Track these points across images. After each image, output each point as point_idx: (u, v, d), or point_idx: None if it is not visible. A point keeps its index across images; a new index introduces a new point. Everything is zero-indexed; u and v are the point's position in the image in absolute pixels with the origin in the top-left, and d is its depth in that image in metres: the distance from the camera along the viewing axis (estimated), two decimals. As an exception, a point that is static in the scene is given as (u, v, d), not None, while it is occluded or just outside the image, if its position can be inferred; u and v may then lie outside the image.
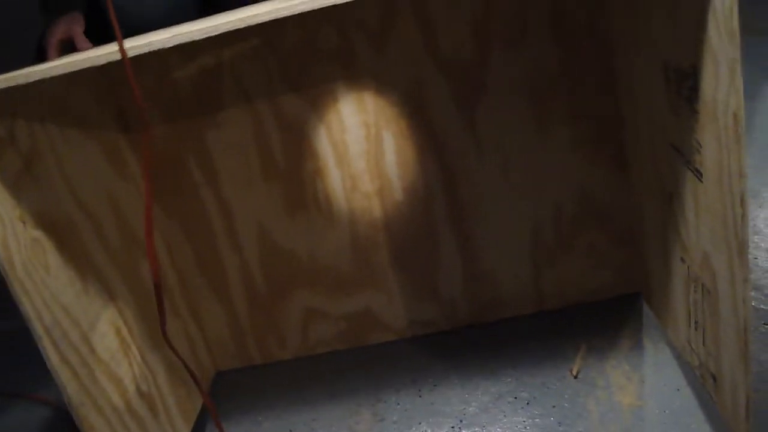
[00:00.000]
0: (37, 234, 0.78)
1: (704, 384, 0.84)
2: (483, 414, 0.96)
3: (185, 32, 0.64)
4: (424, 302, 1.13)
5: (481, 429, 0.93)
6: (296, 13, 0.63)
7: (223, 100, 1.01)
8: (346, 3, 0.63)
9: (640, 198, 0.97)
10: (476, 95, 0.99)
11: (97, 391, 0.83)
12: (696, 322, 0.82)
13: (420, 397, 1.02)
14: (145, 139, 0.75)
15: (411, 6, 0.95)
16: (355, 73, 0.99)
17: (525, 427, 0.91)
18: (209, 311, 1.15)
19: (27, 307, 0.73)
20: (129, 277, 0.96)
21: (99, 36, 1.14)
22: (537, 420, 0.92)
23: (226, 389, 1.16)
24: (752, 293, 1.00)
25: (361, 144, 1.03)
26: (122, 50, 0.65)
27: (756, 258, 1.07)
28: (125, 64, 0.65)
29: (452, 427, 0.95)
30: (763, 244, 1.09)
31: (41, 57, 1.18)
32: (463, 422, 0.95)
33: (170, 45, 0.64)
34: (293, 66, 0.99)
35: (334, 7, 0.63)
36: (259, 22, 0.63)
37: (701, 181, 0.70)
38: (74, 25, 1.15)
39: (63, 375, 0.77)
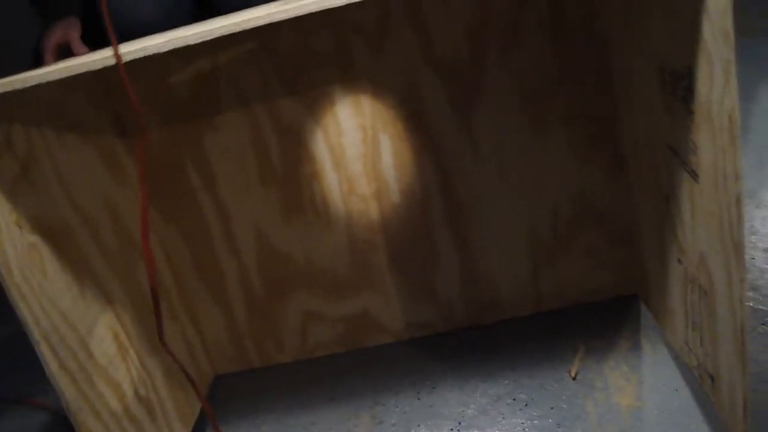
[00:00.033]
0: (34, 239, 0.78)
1: (702, 384, 0.84)
2: (481, 416, 0.96)
3: (180, 37, 0.65)
4: (421, 304, 1.13)
5: (480, 431, 0.93)
6: (292, 17, 0.63)
7: (220, 104, 1.02)
8: (342, 6, 0.63)
9: (637, 199, 0.98)
10: (473, 97, 0.99)
11: (95, 395, 0.83)
12: (693, 323, 0.82)
13: (418, 399, 1.02)
14: (141, 144, 0.75)
15: (407, 9, 0.95)
16: (351, 76, 0.99)
17: (523, 429, 0.91)
18: (207, 315, 1.15)
19: (24, 312, 0.73)
20: (126, 281, 0.96)
21: (96, 40, 1.14)
22: (535, 422, 0.92)
23: (224, 393, 1.16)
24: (750, 293, 1.00)
25: (357, 147, 1.03)
26: (117, 55, 0.65)
27: (753, 258, 1.07)
28: (120, 69, 0.65)
29: (451, 430, 0.94)
30: (760, 245, 1.09)
31: (38, 62, 1.18)
32: (462, 424, 0.95)
33: (165, 50, 0.64)
34: (290, 69, 0.99)
35: (330, 10, 0.63)
36: (255, 26, 0.63)
37: (697, 182, 0.70)
38: (71, 30, 1.15)
39: (61, 380, 0.77)
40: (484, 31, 0.96)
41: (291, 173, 1.05)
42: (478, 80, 0.98)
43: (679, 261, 0.82)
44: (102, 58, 0.66)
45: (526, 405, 0.95)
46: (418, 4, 0.95)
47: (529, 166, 1.02)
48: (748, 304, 0.98)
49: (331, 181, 1.05)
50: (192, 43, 0.64)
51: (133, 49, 0.66)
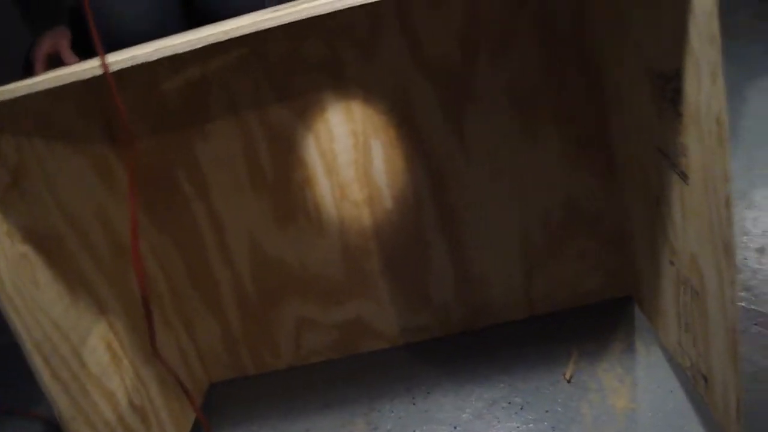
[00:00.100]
0: (25, 249, 0.78)
1: (696, 385, 0.84)
2: (477, 420, 0.96)
3: (169, 45, 0.65)
4: (415, 309, 1.13)
5: (475, 435, 0.93)
6: (281, 24, 0.63)
7: (211, 112, 1.01)
8: (332, 13, 0.63)
9: (628, 201, 0.98)
10: (463, 102, 1.00)
11: (88, 405, 0.83)
12: (686, 324, 0.82)
13: (414, 404, 1.02)
14: (130, 154, 0.75)
15: (397, 15, 0.95)
16: (342, 82, 0.99)
17: (519, 433, 0.91)
18: (201, 323, 1.15)
19: (16, 322, 0.73)
20: (119, 290, 0.96)
21: (86, 49, 1.14)
22: (531, 425, 0.92)
23: (219, 400, 1.16)
24: (742, 294, 1.01)
25: (349, 153, 1.03)
26: (104, 65, 0.65)
27: (746, 258, 1.07)
28: (108, 79, 0.65)
29: (446, 434, 0.95)
30: (752, 245, 1.10)
31: (28, 71, 1.18)
32: (458, 429, 0.95)
33: (154, 59, 0.65)
34: (280, 76, 0.99)
35: (320, 17, 0.63)
36: (243, 34, 0.63)
37: (687, 184, 0.71)
38: (61, 39, 1.15)
39: (54, 390, 0.77)
40: (474, 36, 0.96)
41: (283, 180, 1.05)
42: (469, 85, 0.98)
43: (671, 262, 0.82)
44: (90, 68, 0.66)
45: (521, 408, 0.95)
46: (408, 9, 0.95)
47: (520, 169, 1.03)
48: (740, 304, 0.99)
49: (323, 188, 1.05)
50: (180, 51, 0.64)
51: (121, 58, 0.66)
